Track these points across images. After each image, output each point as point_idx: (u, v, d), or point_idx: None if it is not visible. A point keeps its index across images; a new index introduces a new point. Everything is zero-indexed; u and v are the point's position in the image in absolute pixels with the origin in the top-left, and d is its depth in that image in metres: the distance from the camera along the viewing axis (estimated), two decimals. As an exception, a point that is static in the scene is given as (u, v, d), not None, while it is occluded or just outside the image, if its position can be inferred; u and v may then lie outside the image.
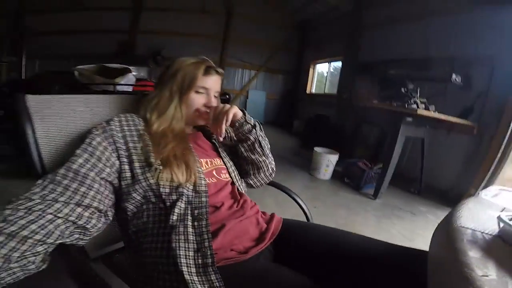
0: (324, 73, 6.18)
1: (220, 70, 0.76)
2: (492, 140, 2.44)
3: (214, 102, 0.76)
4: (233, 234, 0.62)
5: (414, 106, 2.41)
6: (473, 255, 0.36)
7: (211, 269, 0.53)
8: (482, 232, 0.42)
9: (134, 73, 2.31)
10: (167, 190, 0.59)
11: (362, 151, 3.45)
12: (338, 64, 5.19)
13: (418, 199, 2.74)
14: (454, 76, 2.50)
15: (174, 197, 0.59)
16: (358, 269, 0.62)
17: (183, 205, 0.59)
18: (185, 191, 0.60)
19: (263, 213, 0.77)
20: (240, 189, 0.77)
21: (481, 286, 0.30)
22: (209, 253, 0.54)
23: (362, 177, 2.67)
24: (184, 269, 0.51)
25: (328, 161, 2.87)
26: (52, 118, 0.65)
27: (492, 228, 0.43)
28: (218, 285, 0.51)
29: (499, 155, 2.37)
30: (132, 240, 0.62)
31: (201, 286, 0.51)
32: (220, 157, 0.78)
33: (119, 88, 2.11)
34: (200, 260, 0.54)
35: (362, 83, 4.07)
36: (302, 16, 6.11)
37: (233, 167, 0.80)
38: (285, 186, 0.98)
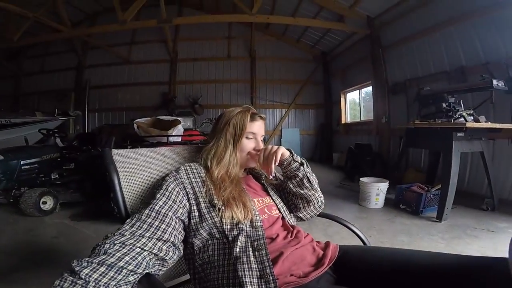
0: (356, 100, 6.08)
1: (263, 115, 0.87)
2: None
3: (262, 144, 0.85)
4: (291, 261, 0.66)
5: (462, 119, 2.31)
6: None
7: None
8: None
9: (182, 123, 2.58)
10: (229, 227, 0.66)
11: (413, 174, 3.27)
12: (369, 89, 5.14)
13: (493, 215, 2.46)
14: (495, 81, 2.35)
15: (235, 232, 0.66)
16: (431, 283, 0.59)
17: (243, 239, 0.65)
18: (244, 227, 0.67)
19: (318, 242, 0.79)
20: (290, 222, 0.81)
21: None
22: (271, 278, 0.58)
23: (420, 201, 2.49)
24: None
25: (378, 189, 2.77)
26: (132, 168, 0.78)
27: None
28: None
29: None
30: (199, 272, 0.68)
31: None
32: (269, 195, 0.85)
33: (171, 138, 2.35)
34: (263, 286, 0.58)
35: (398, 105, 3.96)
36: (321, 48, 6.35)
37: (282, 204, 0.85)
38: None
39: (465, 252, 1.79)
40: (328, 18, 4.97)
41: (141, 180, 0.79)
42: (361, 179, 2.90)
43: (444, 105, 2.49)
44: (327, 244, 0.76)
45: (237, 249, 0.62)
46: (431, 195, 2.51)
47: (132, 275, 0.53)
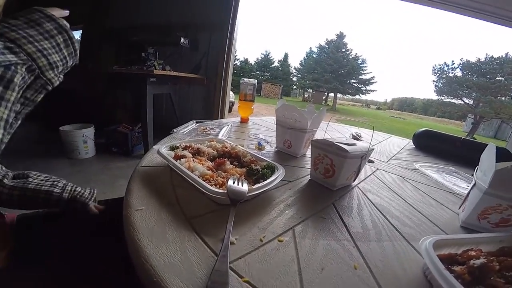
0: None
1: None
2: (216, 86, 3.30)
3: None
4: None
5: (152, 68, 2.66)
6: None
7: None
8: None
9: None
10: None
11: (121, 116, 3.41)
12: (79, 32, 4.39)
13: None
14: (182, 40, 3.00)
15: None
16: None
17: None
18: None
19: None
20: None
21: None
22: None
23: (127, 140, 2.68)
24: None
25: (84, 136, 2.60)
26: None
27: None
28: None
29: (221, 95, 3.30)
30: None
31: None
32: None
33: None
34: None
35: (109, 49, 3.85)
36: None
37: None
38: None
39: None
40: None
41: None
42: (61, 128, 2.58)
43: (143, 54, 2.80)
44: None
45: None
46: (136, 133, 2.78)
47: None
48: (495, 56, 19.40)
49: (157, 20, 3.50)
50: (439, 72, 21.79)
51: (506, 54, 18.84)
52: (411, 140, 1.30)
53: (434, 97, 24.69)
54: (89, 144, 2.66)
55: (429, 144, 1.20)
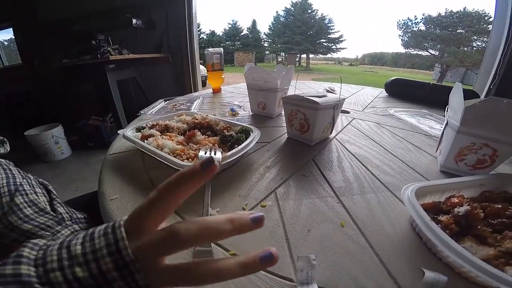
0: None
1: None
2: (183, 62, 3.13)
3: None
4: None
5: (107, 54, 2.47)
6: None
7: None
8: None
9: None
10: None
11: (87, 109, 3.17)
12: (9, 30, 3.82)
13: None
14: (134, 20, 2.76)
15: None
16: None
17: None
18: None
19: None
20: None
21: None
22: None
23: (101, 132, 2.55)
24: None
25: (53, 137, 2.44)
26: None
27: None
28: None
29: (190, 70, 3.16)
30: None
31: None
32: None
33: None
34: None
35: (54, 45, 3.46)
36: None
37: None
38: None
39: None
40: None
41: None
42: (26, 132, 2.40)
43: (93, 42, 2.56)
44: None
45: None
46: (109, 124, 2.64)
47: None
48: (454, 10, 20.72)
49: (100, 4, 3.12)
50: (404, 27, 23.11)
51: (464, 8, 19.90)
52: (384, 90, 1.32)
53: (402, 50, 26.27)
54: (62, 144, 2.52)
55: (401, 91, 1.23)
